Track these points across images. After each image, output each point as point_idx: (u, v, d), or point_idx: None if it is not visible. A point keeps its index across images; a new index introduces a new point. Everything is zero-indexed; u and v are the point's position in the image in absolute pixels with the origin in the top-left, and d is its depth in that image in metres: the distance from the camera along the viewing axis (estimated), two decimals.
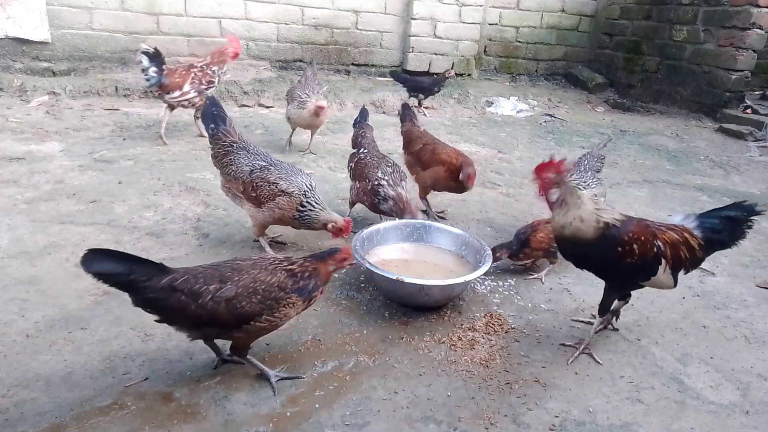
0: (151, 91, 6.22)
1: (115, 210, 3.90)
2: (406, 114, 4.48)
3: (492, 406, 2.30)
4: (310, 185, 3.34)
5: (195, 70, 5.54)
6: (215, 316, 2.13)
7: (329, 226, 3.26)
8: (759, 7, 7.56)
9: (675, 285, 2.63)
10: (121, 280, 2.06)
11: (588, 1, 10.18)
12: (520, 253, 3.33)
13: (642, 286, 2.62)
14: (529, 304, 3.12)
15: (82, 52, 7.58)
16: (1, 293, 2.81)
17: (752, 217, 2.59)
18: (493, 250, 3.22)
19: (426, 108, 7.94)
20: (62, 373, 2.30)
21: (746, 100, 8.09)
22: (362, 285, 3.21)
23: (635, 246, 2.40)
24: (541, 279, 3.39)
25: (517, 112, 8.45)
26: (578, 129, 7.69)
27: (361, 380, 2.40)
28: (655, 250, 2.45)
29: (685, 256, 2.51)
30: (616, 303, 2.84)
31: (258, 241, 3.48)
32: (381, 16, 8.93)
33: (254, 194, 3.31)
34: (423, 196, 4.21)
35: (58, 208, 3.84)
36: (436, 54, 9.13)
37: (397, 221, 3.53)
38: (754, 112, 7.87)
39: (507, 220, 4.29)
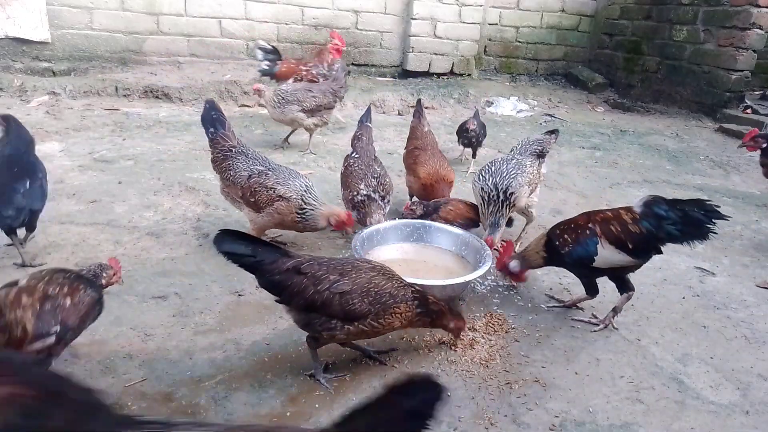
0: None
1: (115, 210, 3.90)
2: (416, 110, 4.60)
3: (492, 406, 2.30)
4: (308, 186, 3.34)
5: (303, 68, 6.08)
6: (327, 305, 2.21)
7: (331, 219, 3.26)
8: (759, 7, 7.55)
9: (638, 259, 2.76)
10: (247, 262, 2.23)
11: (588, 1, 10.18)
12: (429, 217, 3.63)
13: (604, 272, 2.87)
14: (529, 304, 3.12)
15: (82, 52, 7.59)
16: None
17: (712, 218, 2.56)
18: (412, 203, 3.71)
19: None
20: (62, 373, 2.30)
21: (746, 100, 8.08)
22: None
23: (566, 236, 2.88)
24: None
25: (517, 112, 8.45)
26: (578, 129, 7.69)
27: (361, 380, 2.40)
28: (587, 232, 2.80)
29: (617, 229, 2.73)
30: (618, 299, 2.86)
31: None
32: (381, 16, 8.93)
33: (253, 199, 3.31)
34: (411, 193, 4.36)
35: (58, 208, 3.84)
36: (436, 54, 9.13)
37: (397, 221, 3.53)
38: (754, 112, 7.86)
39: None
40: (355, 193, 3.61)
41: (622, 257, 2.74)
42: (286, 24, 8.49)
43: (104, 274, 2.35)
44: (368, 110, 4.41)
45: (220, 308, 2.86)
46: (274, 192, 3.26)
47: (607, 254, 2.75)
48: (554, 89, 9.92)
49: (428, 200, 3.90)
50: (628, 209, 2.78)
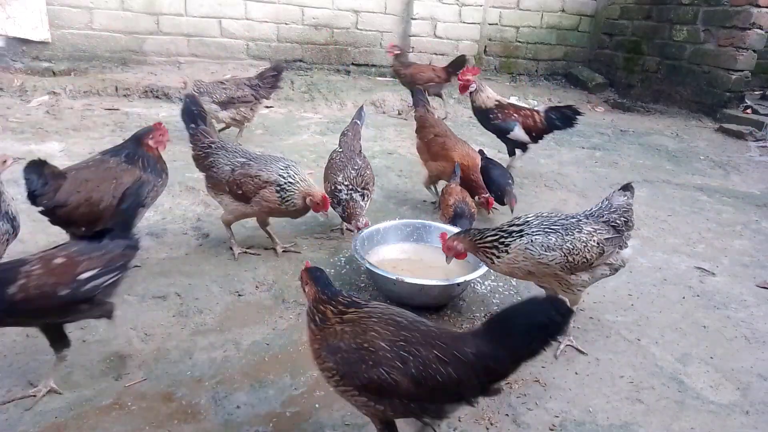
0: None
1: None
2: (419, 100, 4.53)
3: (492, 406, 2.30)
4: (287, 165, 3.24)
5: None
6: None
7: (307, 200, 3.17)
8: (759, 7, 7.55)
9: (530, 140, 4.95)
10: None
11: (588, 1, 10.18)
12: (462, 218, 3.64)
13: (509, 140, 5.04)
14: None
15: (82, 52, 7.59)
16: None
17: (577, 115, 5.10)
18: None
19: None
20: (62, 373, 2.30)
21: (746, 100, 8.08)
22: (362, 285, 3.21)
23: (497, 112, 4.91)
24: None
25: None
26: (578, 129, 7.61)
27: None
28: (512, 118, 4.89)
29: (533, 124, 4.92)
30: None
31: (275, 248, 3.46)
32: (381, 16, 8.93)
33: (240, 191, 3.22)
34: (428, 184, 4.38)
35: None
36: (436, 54, 9.12)
37: (397, 221, 3.54)
38: (754, 112, 7.85)
39: (507, 219, 4.28)
40: (333, 184, 3.56)
41: (524, 136, 4.87)
42: (286, 24, 8.49)
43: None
44: (360, 110, 4.36)
45: (220, 308, 2.87)
46: (259, 179, 3.19)
47: (518, 133, 4.84)
48: (554, 89, 9.91)
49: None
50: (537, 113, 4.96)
